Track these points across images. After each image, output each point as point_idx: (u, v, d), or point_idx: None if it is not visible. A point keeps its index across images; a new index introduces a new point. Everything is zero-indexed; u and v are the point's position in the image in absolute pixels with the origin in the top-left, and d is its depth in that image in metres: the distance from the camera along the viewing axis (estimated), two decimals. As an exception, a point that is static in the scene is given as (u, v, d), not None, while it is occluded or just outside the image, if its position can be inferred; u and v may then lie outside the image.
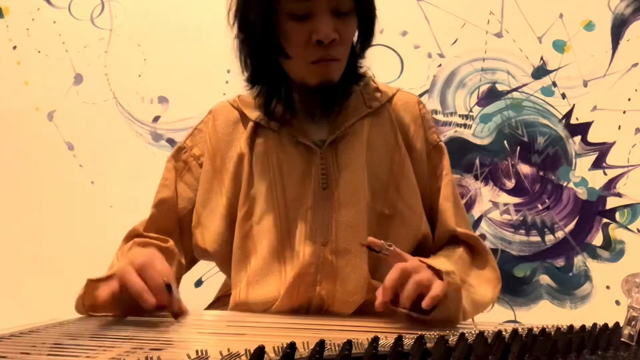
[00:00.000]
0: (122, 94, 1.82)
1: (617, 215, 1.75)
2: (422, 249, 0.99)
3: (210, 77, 1.79)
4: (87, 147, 1.81)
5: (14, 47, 1.83)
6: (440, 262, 0.85)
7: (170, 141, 1.80)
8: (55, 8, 1.84)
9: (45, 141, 1.81)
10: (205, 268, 1.66)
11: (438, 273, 0.80)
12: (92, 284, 0.81)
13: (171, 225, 1.00)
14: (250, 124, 0.98)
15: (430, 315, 0.77)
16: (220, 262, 1.01)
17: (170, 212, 1.00)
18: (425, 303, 0.74)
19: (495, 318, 1.70)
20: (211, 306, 1.06)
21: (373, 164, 0.96)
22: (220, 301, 1.05)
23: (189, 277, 1.49)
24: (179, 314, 0.78)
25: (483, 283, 0.94)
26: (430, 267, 0.81)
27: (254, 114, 0.99)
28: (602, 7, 1.79)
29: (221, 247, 0.96)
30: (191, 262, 1.05)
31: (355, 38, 0.95)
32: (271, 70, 0.95)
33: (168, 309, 0.76)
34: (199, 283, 1.70)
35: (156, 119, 1.81)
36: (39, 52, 1.83)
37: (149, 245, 0.95)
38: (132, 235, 1.00)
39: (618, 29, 1.79)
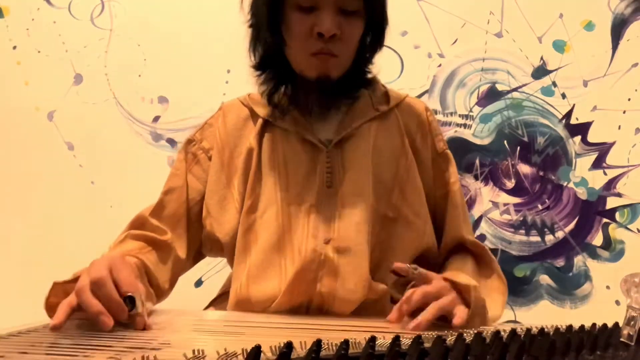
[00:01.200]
0: (122, 94, 1.82)
1: (617, 215, 1.75)
2: (425, 258, 0.99)
3: (210, 77, 1.79)
4: (87, 147, 1.81)
5: (14, 47, 1.83)
6: (463, 277, 0.84)
7: (170, 141, 1.80)
8: (55, 8, 1.84)
9: (45, 141, 1.81)
10: (205, 268, 1.66)
11: (462, 291, 0.80)
12: (58, 287, 0.79)
13: (179, 214, 1.01)
14: (260, 121, 1.00)
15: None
16: (229, 255, 1.01)
17: (179, 200, 1.01)
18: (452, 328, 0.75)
19: (495, 318, 1.70)
20: (213, 302, 1.06)
21: (378, 167, 0.96)
22: (222, 297, 1.05)
23: (189, 277, 1.49)
24: (140, 328, 0.72)
25: (491, 294, 0.94)
26: (454, 285, 0.81)
27: (263, 111, 1.01)
28: (602, 7, 1.79)
29: (233, 240, 0.97)
30: (197, 255, 1.05)
31: (367, 42, 0.96)
32: (277, 59, 0.96)
33: (129, 321, 0.72)
34: (199, 283, 1.70)
35: (156, 119, 1.81)
36: (39, 52, 1.83)
37: (141, 239, 0.95)
38: (137, 221, 1.00)
39: (618, 29, 1.79)
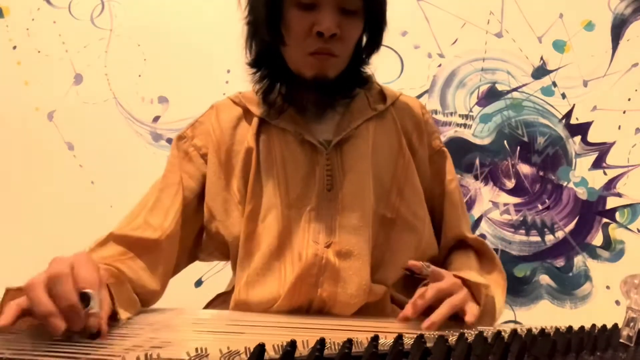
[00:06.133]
0: (122, 94, 1.82)
1: (617, 215, 1.75)
2: (425, 258, 0.99)
3: (210, 77, 1.79)
4: (87, 147, 1.81)
5: (14, 47, 1.83)
6: (473, 275, 0.86)
7: (170, 141, 1.80)
8: (55, 8, 1.84)
9: (45, 141, 1.81)
10: (205, 268, 1.66)
11: (472, 288, 0.81)
12: (12, 294, 0.70)
13: (173, 211, 0.96)
14: (255, 120, 0.97)
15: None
16: (232, 258, 0.99)
17: (175, 197, 0.97)
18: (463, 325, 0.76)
19: (495, 318, 1.70)
20: (210, 304, 1.05)
21: (377, 167, 0.95)
22: (220, 299, 1.04)
23: (189, 277, 1.49)
24: (95, 334, 0.62)
25: (495, 288, 0.94)
26: (465, 282, 0.82)
27: (258, 110, 0.98)
28: (602, 7, 1.79)
29: (238, 242, 0.95)
30: (190, 256, 1.02)
31: (363, 43, 0.95)
32: (273, 57, 0.95)
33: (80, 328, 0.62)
34: (199, 283, 1.70)
35: (156, 119, 1.81)
36: (39, 52, 1.83)
37: (124, 242, 0.90)
38: (130, 217, 0.96)
39: (618, 29, 1.79)
